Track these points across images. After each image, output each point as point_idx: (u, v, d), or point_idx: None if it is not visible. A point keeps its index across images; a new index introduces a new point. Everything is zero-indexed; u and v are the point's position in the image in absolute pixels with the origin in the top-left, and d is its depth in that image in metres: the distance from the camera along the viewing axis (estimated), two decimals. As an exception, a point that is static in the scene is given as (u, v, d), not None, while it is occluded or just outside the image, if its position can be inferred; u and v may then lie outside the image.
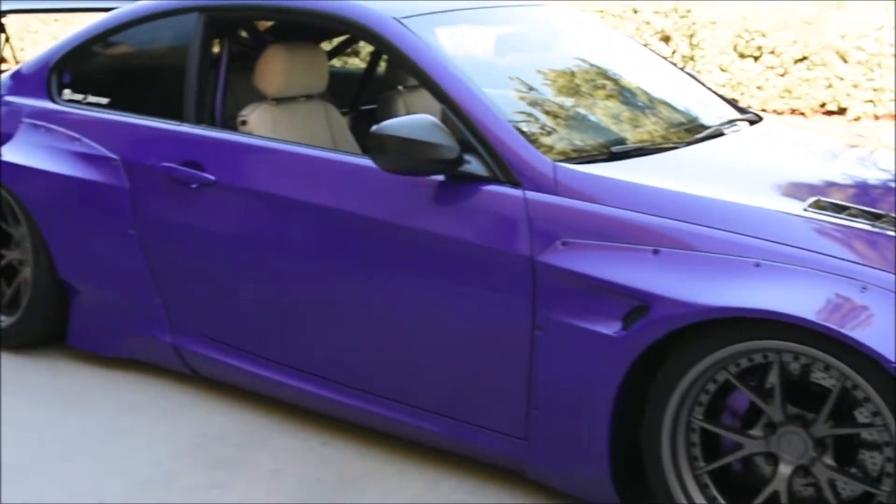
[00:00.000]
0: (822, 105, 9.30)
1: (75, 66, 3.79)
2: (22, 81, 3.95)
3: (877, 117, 9.12)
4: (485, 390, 2.84)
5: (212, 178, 3.20)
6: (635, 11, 9.85)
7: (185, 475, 2.98)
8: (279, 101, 3.59)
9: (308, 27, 3.86)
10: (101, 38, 3.73)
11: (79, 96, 3.72)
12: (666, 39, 9.76)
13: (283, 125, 3.56)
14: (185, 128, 3.35)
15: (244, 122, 3.51)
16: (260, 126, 3.49)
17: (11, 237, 3.96)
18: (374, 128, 2.76)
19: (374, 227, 2.91)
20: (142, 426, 3.29)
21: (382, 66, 4.43)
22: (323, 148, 3.21)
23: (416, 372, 2.95)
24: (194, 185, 3.24)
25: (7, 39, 4.48)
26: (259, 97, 3.59)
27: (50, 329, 3.80)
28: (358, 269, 2.98)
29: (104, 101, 3.65)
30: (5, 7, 4.48)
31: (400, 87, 4.20)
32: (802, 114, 9.30)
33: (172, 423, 3.29)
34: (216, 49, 3.55)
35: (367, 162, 2.95)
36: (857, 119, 9.10)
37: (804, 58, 9.25)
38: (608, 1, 9.90)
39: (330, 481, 2.96)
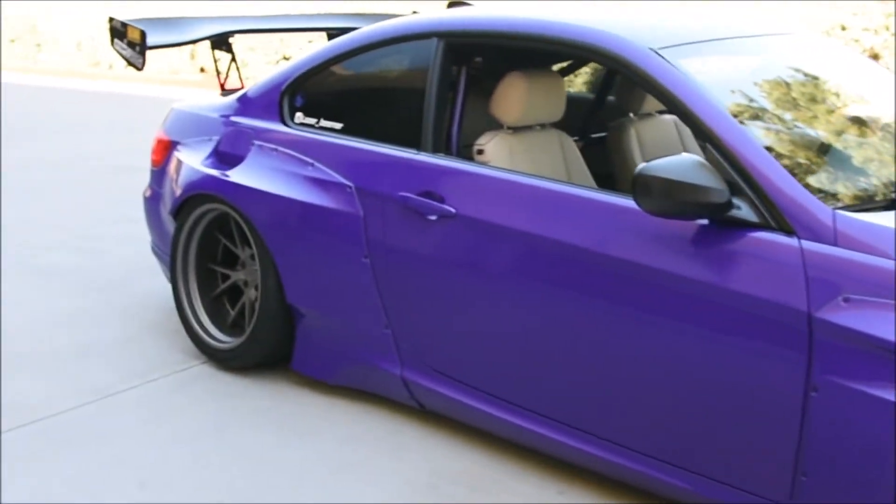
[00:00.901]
0: None
1: (308, 90, 3.78)
2: (251, 104, 3.98)
3: None
4: (745, 450, 2.63)
5: (452, 210, 3.11)
6: (844, 28, 9.37)
7: (418, 517, 2.91)
8: (515, 129, 3.48)
9: (540, 52, 3.73)
10: (335, 61, 3.70)
11: (311, 120, 3.71)
12: (874, 58, 9.24)
13: (519, 155, 3.44)
14: (423, 157, 3.28)
15: (481, 152, 3.41)
16: (496, 156, 3.39)
17: (238, 258, 4.00)
18: (639, 168, 2.60)
19: (627, 268, 2.75)
20: (368, 460, 3.22)
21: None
22: (571, 184, 3.06)
23: (666, 423, 2.78)
24: (433, 217, 3.16)
25: (233, 59, 4.52)
26: (490, 124, 3.49)
27: (273, 352, 3.80)
28: (605, 311, 2.83)
29: (337, 125, 3.61)
30: (233, 27, 4.53)
31: (631, 115, 4.03)
32: None
33: (400, 459, 3.22)
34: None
35: (619, 200, 2.83)
36: None
37: None
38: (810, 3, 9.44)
39: (569, 534, 2.82)
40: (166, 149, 4.30)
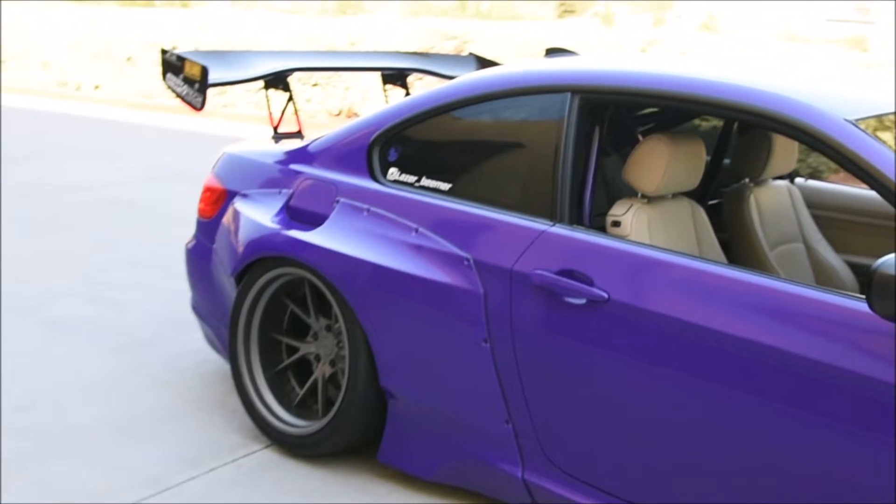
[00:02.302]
0: None
1: (404, 143, 3.33)
2: (325, 154, 3.51)
3: None
4: None
5: (604, 294, 2.68)
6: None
7: None
8: (649, 198, 3.08)
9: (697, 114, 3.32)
10: (440, 112, 3.24)
11: (409, 178, 3.26)
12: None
13: (656, 227, 3.03)
14: (561, 230, 2.85)
15: (616, 224, 3.00)
16: (635, 228, 2.97)
17: (306, 328, 3.54)
18: (877, 265, 2.21)
19: (833, 375, 2.34)
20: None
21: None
22: (763, 274, 2.62)
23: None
24: (577, 301, 2.73)
25: (291, 99, 4.05)
26: (626, 191, 3.09)
27: (357, 440, 3.33)
28: (794, 419, 2.41)
29: (443, 186, 3.17)
30: (295, 64, 4.08)
31: (746, 180, 3.65)
32: None
33: (527, 580, 2.77)
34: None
35: (822, 296, 2.43)
36: None
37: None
38: None
39: None
40: (220, 199, 3.82)
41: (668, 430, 2.63)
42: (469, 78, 3.27)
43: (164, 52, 3.87)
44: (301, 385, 3.58)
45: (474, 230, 3.02)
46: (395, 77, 4.53)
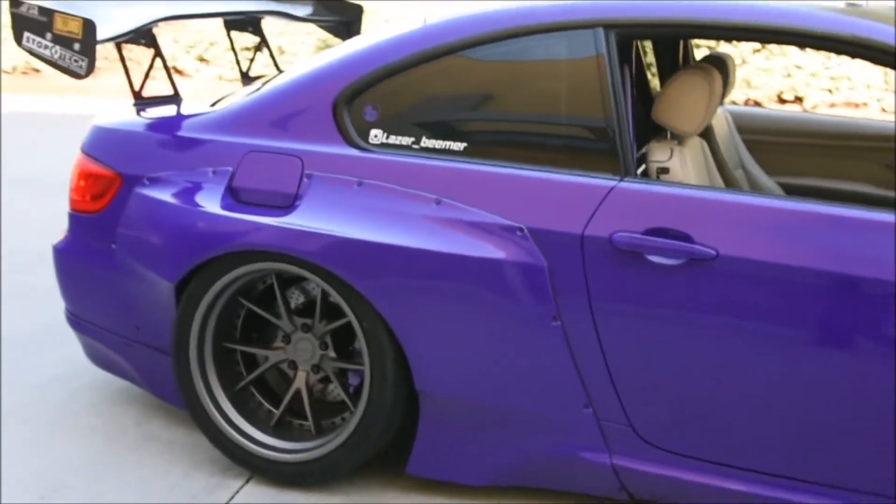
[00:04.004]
0: (780, 95, 9.23)
1: (386, 98, 2.78)
2: (257, 119, 2.90)
3: (832, 105, 9.16)
4: None
5: (710, 251, 2.39)
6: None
7: None
8: (679, 139, 2.81)
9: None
10: (431, 57, 2.73)
11: (401, 140, 2.74)
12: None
13: (695, 168, 2.80)
14: (635, 184, 2.49)
15: (664, 171, 2.71)
16: (683, 172, 2.71)
17: (268, 331, 2.96)
18: None
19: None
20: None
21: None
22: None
23: None
24: (671, 262, 2.42)
25: (159, 54, 3.28)
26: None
27: (376, 454, 2.82)
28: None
29: (457, 146, 2.69)
30: (155, 16, 3.30)
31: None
32: (759, 103, 9.22)
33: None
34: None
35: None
36: (815, 108, 9.11)
37: (763, 48, 9.14)
38: None
39: None
40: (111, 187, 3.05)
41: (793, 390, 2.41)
42: (464, 16, 2.78)
43: (15, 4, 2.98)
44: (269, 401, 2.99)
45: (520, 195, 2.58)
46: (245, 23, 3.90)
